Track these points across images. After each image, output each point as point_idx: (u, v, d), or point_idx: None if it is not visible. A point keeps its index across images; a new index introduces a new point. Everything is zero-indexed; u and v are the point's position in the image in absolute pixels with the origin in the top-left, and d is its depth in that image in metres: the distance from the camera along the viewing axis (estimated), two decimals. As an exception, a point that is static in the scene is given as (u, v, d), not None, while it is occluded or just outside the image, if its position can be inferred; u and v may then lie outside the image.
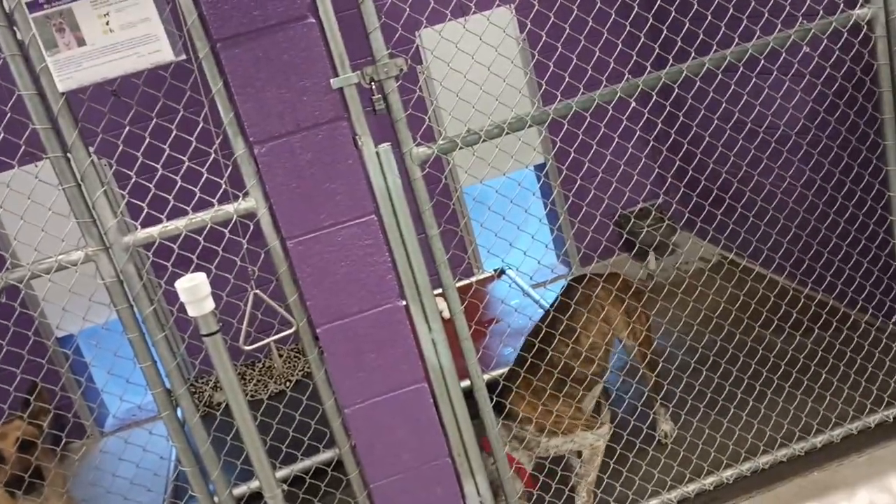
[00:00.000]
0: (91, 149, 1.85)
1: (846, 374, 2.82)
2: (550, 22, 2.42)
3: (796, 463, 2.63)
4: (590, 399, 2.70)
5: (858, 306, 3.21)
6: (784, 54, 2.59)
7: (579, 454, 2.57)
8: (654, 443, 2.84)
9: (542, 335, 2.61)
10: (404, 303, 2.07)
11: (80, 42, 1.75)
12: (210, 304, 1.72)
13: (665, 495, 2.59)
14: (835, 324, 2.94)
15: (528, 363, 2.54)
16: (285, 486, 2.01)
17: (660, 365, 2.83)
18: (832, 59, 2.62)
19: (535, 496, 2.60)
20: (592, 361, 2.62)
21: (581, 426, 2.53)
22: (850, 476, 2.54)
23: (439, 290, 2.15)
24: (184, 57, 1.81)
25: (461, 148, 2.13)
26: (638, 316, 2.79)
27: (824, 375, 2.87)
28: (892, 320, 2.92)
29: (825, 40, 2.70)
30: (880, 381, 2.76)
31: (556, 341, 2.57)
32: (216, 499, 2.09)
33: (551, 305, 2.77)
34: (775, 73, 3.16)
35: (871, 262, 2.86)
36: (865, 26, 2.34)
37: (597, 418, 2.69)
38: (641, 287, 2.91)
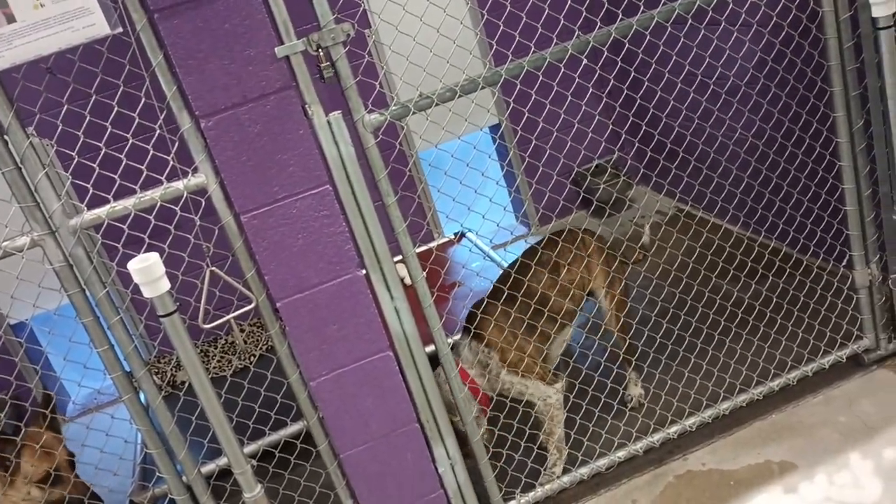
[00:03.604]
0: (30, 129, 1.78)
1: (800, 319, 2.89)
2: (498, -20, 2.38)
3: (755, 407, 2.71)
4: (558, 344, 2.73)
5: (810, 252, 3.28)
6: (732, 4, 2.61)
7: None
8: (619, 397, 2.89)
9: (518, 266, 2.67)
10: (364, 272, 2.05)
11: (10, 19, 1.67)
12: (165, 285, 1.68)
13: (631, 447, 2.64)
14: (788, 270, 3.01)
15: (503, 293, 2.59)
16: (254, 462, 2.00)
17: (633, 328, 2.86)
18: (778, 8, 2.63)
19: (489, 414, 2.63)
20: (569, 295, 2.65)
21: (538, 372, 2.57)
22: (806, 416, 2.62)
23: (399, 258, 2.14)
24: (120, 30, 1.74)
25: (414, 113, 2.10)
26: (613, 277, 2.82)
27: (779, 321, 2.94)
28: (843, 264, 2.99)
29: (771, -11, 2.71)
30: (833, 324, 2.84)
31: (533, 271, 2.62)
32: (185, 478, 2.07)
33: (538, 242, 2.83)
34: (723, 24, 3.17)
35: (820, 208, 2.92)
36: (810, -26, 2.36)
37: (554, 374, 2.72)
38: (613, 252, 2.92)
